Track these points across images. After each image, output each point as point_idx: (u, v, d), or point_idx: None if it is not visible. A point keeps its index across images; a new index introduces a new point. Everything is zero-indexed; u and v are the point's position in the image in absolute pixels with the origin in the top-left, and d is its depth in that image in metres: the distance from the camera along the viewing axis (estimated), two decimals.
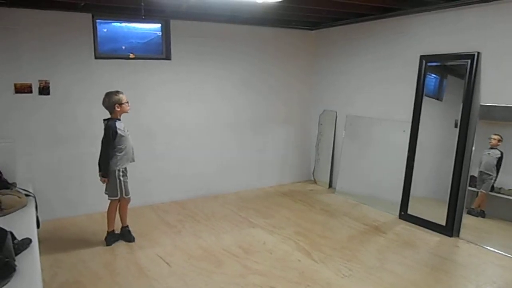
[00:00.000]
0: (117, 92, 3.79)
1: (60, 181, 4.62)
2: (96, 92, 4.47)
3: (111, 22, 4.92)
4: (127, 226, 4.07)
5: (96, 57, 4.64)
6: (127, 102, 3.84)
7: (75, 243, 3.97)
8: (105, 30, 4.86)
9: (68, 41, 4.47)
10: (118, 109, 3.78)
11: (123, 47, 4.97)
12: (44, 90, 4.41)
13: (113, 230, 4.00)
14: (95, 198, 4.52)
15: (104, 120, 3.80)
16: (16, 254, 2.41)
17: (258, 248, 3.88)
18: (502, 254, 3.74)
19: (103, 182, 3.82)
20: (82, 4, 4.18)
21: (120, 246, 3.93)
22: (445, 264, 3.58)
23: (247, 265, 3.52)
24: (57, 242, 3.99)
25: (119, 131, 3.74)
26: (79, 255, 3.71)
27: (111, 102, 3.75)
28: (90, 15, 4.54)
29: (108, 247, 3.89)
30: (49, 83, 4.42)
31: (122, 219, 4.05)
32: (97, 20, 4.67)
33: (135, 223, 4.35)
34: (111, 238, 3.96)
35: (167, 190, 5.25)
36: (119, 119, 3.82)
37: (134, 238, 4.02)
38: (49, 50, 4.39)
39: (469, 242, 4.02)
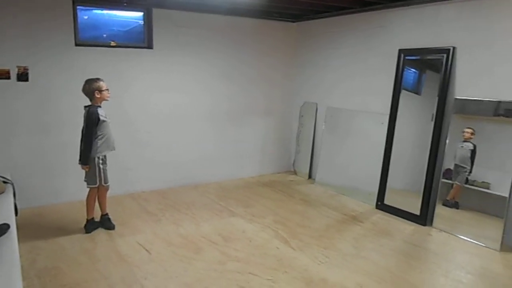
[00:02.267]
0: (97, 79, 3.77)
1: (39, 169, 4.58)
2: (76, 79, 4.42)
3: (92, 9, 4.86)
4: (107, 214, 4.07)
5: (76, 44, 4.59)
6: (107, 89, 3.83)
7: (54, 230, 3.95)
8: (85, 17, 4.80)
9: (48, 28, 4.40)
10: (98, 96, 3.77)
11: (104, 35, 4.92)
12: (23, 76, 4.34)
13: (93, 218, 3.99)
14: (75, 186, 4.50)
15: (85, 107, 3.78)
16: None
17: (238, 236, 3.94)
18: (472, 242, 3.90)
19: (85, 169, 3.81)
20: None
21: (100, 233, 3.93)
22: (418, 251, 3.71)
23: (226, 252, 3.57)
24: (36, 229, 3.97)
25: (101, 117, 3.73)
26: (58, 242, 3.70)
27: (91, 89, 3.74)
28: (70, 1, 4.48)
29: (88, 234, 3.88)
30: (28, 69, 4.35)
31: (102, 207, 4.05)
32: (78, 7, 4.61)
33: (116, 211, 4.35)
34: (90, 225, 3.96)
35: (148, 179, 5.26)
36: (100, 106, 3.81)
37: (114, 225, 4.03)
38: (29, 36, 4.32)
39: (442, 231, 4.17)
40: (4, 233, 2.61)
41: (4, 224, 2.66)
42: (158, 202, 4.85)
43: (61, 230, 3.97)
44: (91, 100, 3.78)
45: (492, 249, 3.74)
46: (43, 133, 4.55)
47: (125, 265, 3.31)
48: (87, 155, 3.75)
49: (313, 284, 3.04)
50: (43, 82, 4.46)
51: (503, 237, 3.75)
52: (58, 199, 4.68)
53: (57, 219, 4.26)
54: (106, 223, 4.03)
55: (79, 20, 4.65)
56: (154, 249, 3.60)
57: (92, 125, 3.72)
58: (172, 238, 3.85)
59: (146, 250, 3.58)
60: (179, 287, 2.97)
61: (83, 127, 3.80)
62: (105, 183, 3.90)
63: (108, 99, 3.85)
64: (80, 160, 3.81)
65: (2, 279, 2.07)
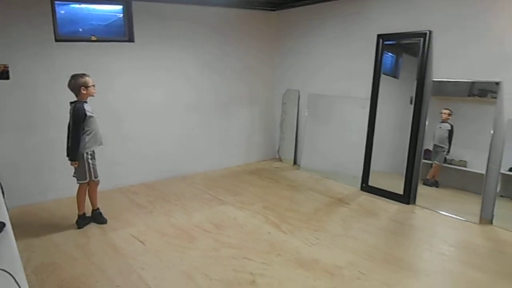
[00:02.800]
0: (83, 75, 3.76)
1: (27, 167, 4.55)
2: (58, 75, 4.43)
3: (70, 4, 4.80)
4: (98, 209, 4.10)
5: (56, 40, 4.54)
6: (93, 85, 3.82)
7: (46, 227, 3.96)
8: (62, 11, 4.73)
9: (27, 24, 4.34)
10: (84, 92, 3.76)
11: (80, 29, 4.87)
12: (3, 74, 4.29)
13: (84, 213, 4.01)
14: (64, 183, 4.51)
15: (71, 103, 3.77)
16: None
17: (229, 223, 4.03)
18: (453, 217, 4.09)
19: (74, 165, 3.82)
20: None
21: (92, 228, 3.96)
22: (403, 228, 3.88)
23: (219, 239, 3.66)
24: (27, 227, 3.97)
25: (88, 113, 3.73)
26: (52, 238, 3.72)
27: (77, 84, 3.72)
28: None
29: (80, 230, 3.91)
30: (8, 67, 4.29)
31: (93, 202, 4.07)
32: (56, 1, 4.55)
33: (106, 205, 4.37)
34: (82, 221, 3.98)
35: (136, 172, 5.28)
36: (86, 102, 3.80)
37: (106, 220, 4.06)
38: (7, 34, 4.25)
39: (424, 208, 4.36)
40: (1, 231, 2.63)
41: (0, 222, 2.68)
42: (147, 195, 4.89)
43: (53, 227, 3.98)
44: (77, 96, 3.77)
45: (471, 222, 3.95)
46: (29, 130, 4.51)
47: (121, 257, 3.36)
48: (75, 151, 3.76)
49: (306, 265, 3.16)
50: (25, 79, 4.41)
51: (481, 211, 3.96)
52: (47, 196, 4.67)
53: (48, 216, 4.26)
54: (98, 217, 4.06)
55: (57, 15, 4.60)
56: (148, 240, 3.66)
57: (79, 121, 3.72)
58: (165, 229, 3.91)
59: (140, 241, 3.64)
60: (176, 275, 3.05)
61: (69, 123, 3.80)
62: (95, 178, 3.92)
63: (94, 95, 3.85)
64: (68, 156, 3.82)
65: (5, 277, 2.10)
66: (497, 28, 3.82)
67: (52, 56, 4.52)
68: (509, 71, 3.76)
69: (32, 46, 4.40)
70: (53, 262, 3.28)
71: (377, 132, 4.95)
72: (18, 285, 1.31)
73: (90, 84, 3.77)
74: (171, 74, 5.42)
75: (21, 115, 4.46)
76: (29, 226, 4.00)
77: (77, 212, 3.99)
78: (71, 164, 3.82)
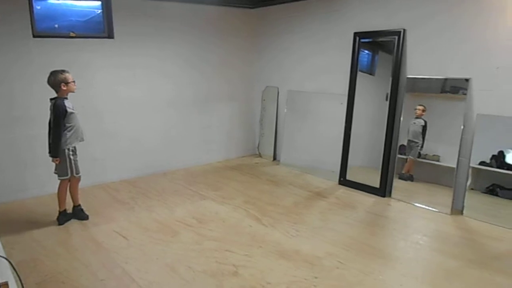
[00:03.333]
0: (62, 71, 3.74)
1: (3, 164, 4.49)
2: (36, 72, 4.39)
3: None
4: (79, 205, 4.10)
5: (34, 36, 4.50)
6: (74, 81, 3.81)
7: (26, 224, 3.93)
8: (38, 7, 4.67)
9: (2, 19, 4.29)
10: (64, 88, 3.74)
11: (56, 25, 4.82)
12: None
13: (65, 210, 4.00)
14: (43, 180, 4.50)
15: (51, 99, 3.76)
16: None
17: (211, 217, 4.09)
18: (427, 209, 4.27)
19: (56, 162, 3.81)
20: None
21: (74, 224, 3.95)
22: (379, 220, 4.03)
23: (201, 233, 3.73)
24: (6, 224, 3.93)
25: (68, 110, 3.73)
26: (32, 235, 3.70)
27: (57, 80, 3.71)
28: None
29: (61, 226, 3.90)
30: None
31: (74, 198, 4.06)
32: None
33: (87, 202, 4.37)
34: (63, 217, 3.97)
35: (116, 169, 5.28)
36: (66, 98, 3.80)
37: (87, 216, 4.06)
38: None
39: (400, 201, 4.53)
40: None
41: None
42: (128, 191, 4.90)
43: (33, 223, 3.95)
44: (57, 92, 3.75)
45: (443, 213, 4.14)
46: (8, 127, 4.45)
47: (104, 252, 3.38)
48: (57, 148, 3.74)
49: (286, 256, 3.26)
50: (2, 75, 4.35)
51: (452, 203, 4.15)
52: (27, 194, 4.63)
53: (27, 214, 4.22)
54: (79, 214, 4.06)
55: (35, 11, 4.55)
56: (131, 235, 3.69)
57: (60, 117, 3.70)
58: (147, 223, 3.94)
59: (123, 236, 3.66)
60: (160, 268, 3.10)
61: (49, 120, 3.78)
62: (77, 174, 3.91)
63: (74, 91, 3.84)
64: (49, 153, 3.81)
65: None
66: (465, 26, 4.00)
67: (30, 52, 4.47)
68: (478, 68, 3.95)
69: (9, 42, 4.34)
70: (35, 258, 3.27)
71: (354, 127, 5.09)
72: (15, 270, 1.36)
73: (70, 80, 3.76)
74: (151, 71, 5.44)
75: (1, 112, 4.40)
76: (8, 223, 3.96)
77: (57, 209, 3.98)
78: (53, 161, 3.81)
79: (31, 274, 3.02)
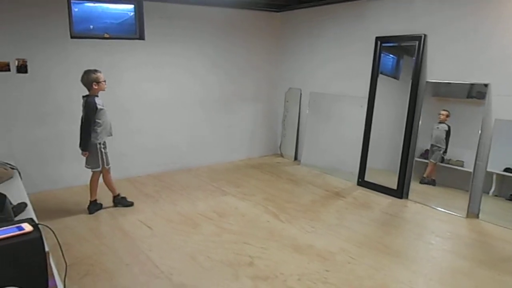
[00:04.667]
0: (95, 71, 4.02)
1: (39, 157, 4.82)
2: (72, 70, 4.68)
3: (84, 2, 5.06)
4: (119, 194, 4.38)
5: (72, 37, 4.81)
6: (105, 81, 4.08)
7: (58, 212, 4.23)
8: (76, 9, 4.98)
9: (44, 22, 4.61)
10: (96, 87, 4.02)
11: (91, 27, 5.12)
12: (22, 68, 4.56)
13: (96, 200, 4.28)
14: (74, 172, 4.82)
15: (83, 96, 4.04)
16: (15, 216, 2.70)
17: (231, 212, 4.28)
18: (443, 211, 4.33)
19: (84, 155, 4.08)
20: None
21: (103, 214, 4.23)
22: (394, 220, 4.12)
23: (222, 226, 3.92)
24: (40, 212, 4.15)
25: (99, 106, 4.00)
26: (64, 222, 3.99)
27: (89, 79, 3.99)
28: None
29: (91, 215, 4.18)
30: (26, 61, 4.57)
31: (112, 189, 4.33)
32: (72, 1, 4.82)
33: None
34: (93, 207, 4.25)
35: (143, 164, 5.55)
36: (97, 96, 4.07)
37: (132, 202, 4.38)
38: (27, 30, 4.52)
39: (416, 203, 4.60)
40: (23, 210, 2.89)
41: (22, 202, 2.94)
42: (154, 185, 5.16)
43: (65, 212, 4.25)
44: (89, 90, 4.03)
45: (459, 216, 4.18)
46: (42, 121, 4.79)
47: (130, 240, 3.63)
48: (86, 142, 4.02)
49: (301, 250, 3.41)
50: (41, 73, 4.69)
51: (468, 206, 4.19)
52: (58, 185, 4.94)
53: (59, 203, 4.53)
54: (123, 201, 4.36)
55: (73, 13, 4.86)
56: (155, 225, 3.93)
57: (91, 113, 3.98)
58: (171, 216, 4.17)
59: (148, 226, 3.90)
60: (181, 256, 3.31)
61: (82, 116, 4.06)
62: (107, 165, 4.19)
63: (105, 90, 4.11)
64: (80, 146, 4.08)
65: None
66: (484, 32, 4.05)
67: (67, 51, 4.79)
68: (497, 73, 3.99)
69: (49, 42, 4.67)
70: (66, 243, 3.54)
71: (376, 130, 5.17)
72: (56, 237, 1.58)
73: (101, 80, 4.04)
74: (178, 71, 5.69)
75: (36, 107, 4.73)
76: (42, 211, 4.22)
77: (89, 199, 4.26)
78: (82, 154, 4.08)
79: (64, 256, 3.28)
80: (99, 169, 4.14)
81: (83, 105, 4.04)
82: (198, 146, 6.07)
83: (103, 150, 4.10)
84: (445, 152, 4.50)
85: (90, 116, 3.99)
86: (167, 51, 5.51)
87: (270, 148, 6.92)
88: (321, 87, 6.02)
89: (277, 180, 5.49)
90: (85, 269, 3.10)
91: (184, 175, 5.62)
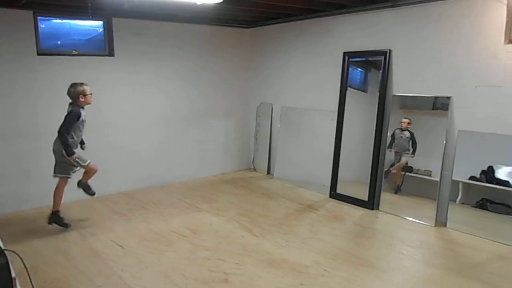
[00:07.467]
0: (81, 84, 4.02)
1: (3, 176, 4.67)
2: (40, 88, 4.61)
3: (51, 19, 4.99)
4: (59, 211, 4.18)
5: (38, 54, 4.72)
6: (91, 94, 4.08)
7: (25, 234, 4.08)
8: (42, 26, 4.89)
9: (9, 38, 4.52)
10: (83, 100, 4.02)
11: (59, 42, 5.05)
12: None
13: (58, 211, 4.15)
14: (41, 192, 4.65)
15: (70, 103, 4.03)
16: None
17: (205, 228, 4.26)
18: (412, 221, 4.44)
19: (74, 159, 3.99)
20: (24, 1, 4.27)
21: (73, 234, 4.11)
22: (366, 231, 4.20)
23: (195, 243, 3.89)
24: (5, 235, 4.05)
25: (82, 117, 4.01)
26: (32, 244, 3.85)
27: (76, 92, 3.98)
28: (31, 12, 4.61)
29: (61, 235, 4.04)
30: None
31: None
32: (38, 17, 4.74)
33: (85, 213, 4.56)
34: (54, 217, 4.13)
35: (114, 182, 5.44)
36: (83, 108, 4.07)
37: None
38: None
39: (387, 213, 4.70)
40: None
41: None
42: (126, 203, 5.07)
43: (31, 234, 4.10)
44: (75, 103, 4.02)
45: (428, 225, 4.30)
46: (5, 141, 4.64)
47: (101, 260, 3.54)
48: (68, 147, 3.93)
49: (275, 264, 3.42)
50: (10, 92, 4.57)
51: (436, 215, 4.32)
52: (28, 205, 4.79)
53: (25, 224, 4.37)
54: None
55: (39, 30, 4.78)
56: (127, 244, 3.85)
57: (71, 121, 3.96)
58: (143, 234, 4.10)
59: (120, 245, 3.82)
60: (155, 275, 3.26)
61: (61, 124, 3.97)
62: (84, 162, 4.13)
63: (91, 102, 4.11)
64: (66, 153, 3.94)
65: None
66: (444, 47, 4.24)
67: (34, 69, 4.69)
68: (458, 86, 4.18)
69: (14, 60, 4.57)
70: (35, 266, 3.41)
71: (347, 143, 5.27)
72: (23, 261, 1.54)
73: (88, 93, 4.05)
74: (149, 87, 5.66)
75: (4, 126, 4.59)
76: (7, 234, 4.06)
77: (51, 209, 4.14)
78: (72, 160, 3.97)
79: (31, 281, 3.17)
80: (69, 175, 4.08)
81: (68, 111, 4.01)
82: (171, 163, 6.02)
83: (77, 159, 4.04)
84: (413, 153, 4.62)
85: (70, 123, 3.95)
86: (137, 67, 5.48)
87: (243, 162, 6.94)
88: (291, 102, 6.11)
89: (250, 194, 5.50)
90: None
91: (157, 192, 5.55)
